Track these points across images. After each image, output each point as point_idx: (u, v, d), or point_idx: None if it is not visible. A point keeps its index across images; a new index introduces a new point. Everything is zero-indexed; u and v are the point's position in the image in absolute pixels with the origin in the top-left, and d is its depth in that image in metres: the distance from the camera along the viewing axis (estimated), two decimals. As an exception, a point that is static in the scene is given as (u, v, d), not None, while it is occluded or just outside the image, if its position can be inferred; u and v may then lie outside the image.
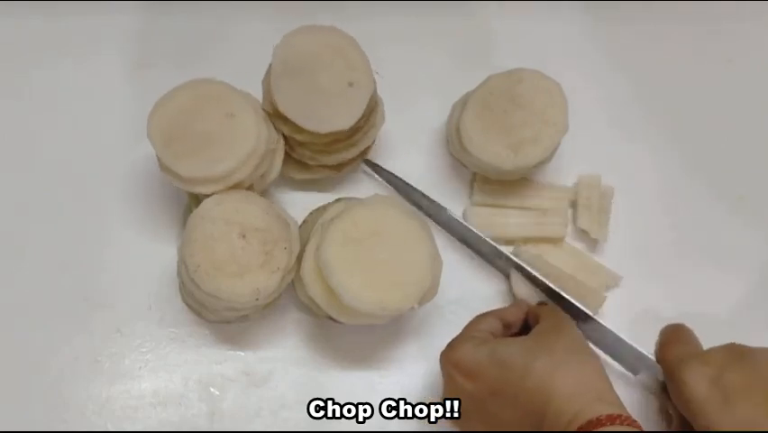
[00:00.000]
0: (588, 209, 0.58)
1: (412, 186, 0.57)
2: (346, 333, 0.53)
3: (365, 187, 0.58)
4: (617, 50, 0.65)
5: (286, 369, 0.53)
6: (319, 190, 0.57)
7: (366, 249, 0.47)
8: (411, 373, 0.53)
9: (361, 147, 0.54)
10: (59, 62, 0.61)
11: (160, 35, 0.62)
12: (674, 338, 0.51)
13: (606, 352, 0.53)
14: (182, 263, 0.48)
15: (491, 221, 0.57)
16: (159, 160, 0.49)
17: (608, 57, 0.64)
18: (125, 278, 0.54)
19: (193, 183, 0.48)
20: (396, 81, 0.58)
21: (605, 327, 0.53)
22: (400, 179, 0.57)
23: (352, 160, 0.55)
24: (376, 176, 0.58)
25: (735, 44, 0.67)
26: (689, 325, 0.53)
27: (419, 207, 0.57)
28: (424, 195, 0.57)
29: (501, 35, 0.65)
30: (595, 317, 0.53)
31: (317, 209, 0.54)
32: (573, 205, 0.59)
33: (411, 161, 0.59)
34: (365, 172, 0.58)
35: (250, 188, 0.51)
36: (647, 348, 0.52)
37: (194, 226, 0.47)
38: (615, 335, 0.53)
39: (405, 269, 0.47)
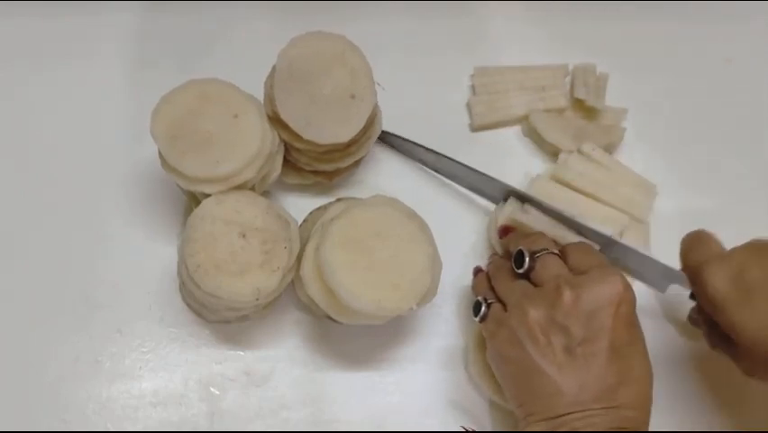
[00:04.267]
0: (584, 85, 0.61)
1: (426, 147, 0.57)
2: (346, 333, 0.53)
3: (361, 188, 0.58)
4: (617, 49, 0.65)
5: (286, 369, 0.53)
6: (313, 194, 0.57)
7: (366, 249, 0.47)
8: (411, 373, 0.53)
9: (357, 156, 0.54)
10: (58, 62, 0.61)
11: (160, 35, 0.62)
12: (696, 243, 0.50)
13: (631, 273, 0.54)
14: (182, 263, 0.48)
15: (495, 106, 0.60)
16: (162, 158, 0.49)
17: (607, 57, 0.64)
18: (125, 278, 0.54)
19: (197, 182, 0.48)
20: (394, 80, 0.57)
21: (629, 247, 0.53)
22: (413, 141, 0.58)
23: (347, 168, 0.56)
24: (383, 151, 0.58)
25: (733, 44, 0.67)
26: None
27: (437, 171, 0.58)
28: (441, 154, 0.57)
29: (490, 34, 0.65)
30: (618, 239, 0.53)
31: (317, 209, 0.54)
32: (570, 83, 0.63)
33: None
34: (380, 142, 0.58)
35: (251, 188, 0.51)
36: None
37: (194, 226, 0.47)
38: (639, 253, 0.52)
39: (404, 269, 0.47)
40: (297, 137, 0.50)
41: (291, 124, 0.50)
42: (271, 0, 0.63)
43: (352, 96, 0.50)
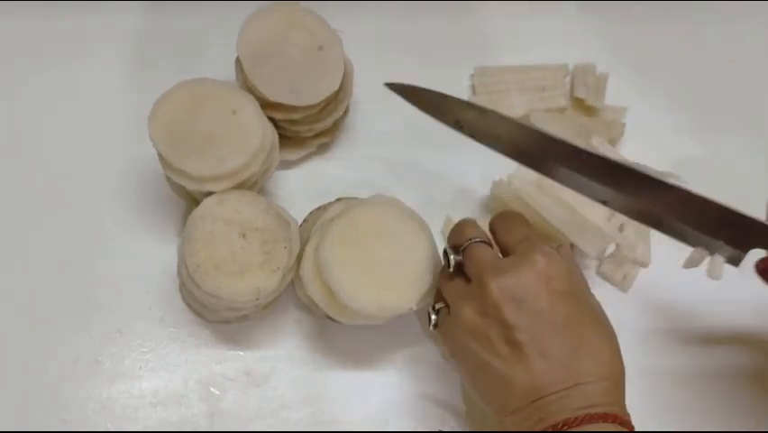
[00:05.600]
0: (584, 84, 0.62)
1: (445, 94, 0.51)
2: (346, 333, 0.53)
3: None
4: (617, 49, 0.65)
5: (286, 369, 0.53)
6: (317, 187, 0.57)
7: (366, 249, 0.47)
8: (410, 373, 0.53)
9: (347, 97, 0.56)
10: (58, 62, 0.61)
11: (160, 35, 0.62)
12: None
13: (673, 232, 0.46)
14: (182, 263, 0.48)
15: (495, 106, 0.56)
16: (163, 160, 0.49)
17: (609, 57, 0.64)
18: (125, 278, 0.54)
19: (203, 181, 0.48)
20: (393, 80, 0.58)
21: (688, 190, 0.44)
22: (426, 89, 0.51)
23: (344, 115, 0.58)
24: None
25: (737, 44, 0.67)
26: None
27: (458, 124, 0.50)
28: (465, 102, 0.50)
29: (490, 34, 0.65)
30: (676, 182, 0.45)
31: (317, 209, 0.54)
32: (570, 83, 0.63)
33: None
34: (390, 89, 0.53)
35: (254, 183, 0.51)
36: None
37: (194, 226, 0.47)
38: (702, 198, 0.44)
39: (404, 269, 0.47)
40: (293, 109, 0.52)
41: (283, 100, 0.51)
42: (271, 0, 0.63)
43: (320, 48, 0.52)
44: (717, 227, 0.45)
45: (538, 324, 0.41)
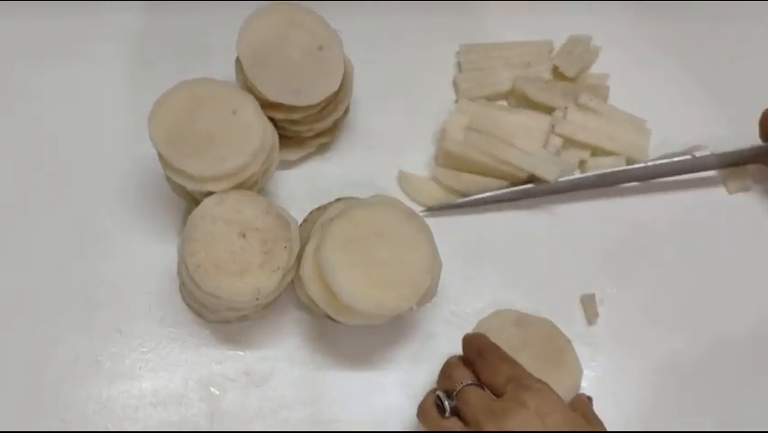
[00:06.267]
0: (569, 54, 0.63)
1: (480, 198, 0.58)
2: (346, 333, 0.53)
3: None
4: (619, 50, 0.65)
5: (286, 369, 0.53)
6: (318, 184, 0.58)
7: (366, 249, 0.47)
8: (410, 373, 0.53)
9: (347, 97, 0.56)
10: (58, 62, 0.61)
11: (160, 35, 0.62)
12: None
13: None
14: (182, 263, 0.48)
15: (482, 82, 0.61)
16: (163, 160, 0.49)
17: (609, 57, 0.64)
18: (125, 278, 0.54)
19: (203, 181, 0.48)
20: (381, 59, 0.61)
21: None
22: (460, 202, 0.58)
23: (344, 116, 0.58)
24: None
25: (736, 44, 0.67)
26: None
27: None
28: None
29: (487, 14, 0.66)
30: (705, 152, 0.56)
31: (317, 209, 0.54)
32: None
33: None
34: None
35: (253, 185, 0.51)
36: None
37: (194, 226, 0.47)
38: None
39: (404, 269, 0.47)
40: (293, 109, 0.52)
41: (283, 100, 0.51)
42: (271, 0, 0.63)
43: (320, 48, 0.52)
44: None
45: None
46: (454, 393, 0.46)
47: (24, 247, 0.55)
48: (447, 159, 0.58)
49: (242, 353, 0.53)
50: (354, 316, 0.47)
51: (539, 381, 0.45)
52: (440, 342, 0.54)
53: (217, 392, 0.52)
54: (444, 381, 0.48)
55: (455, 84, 0.63)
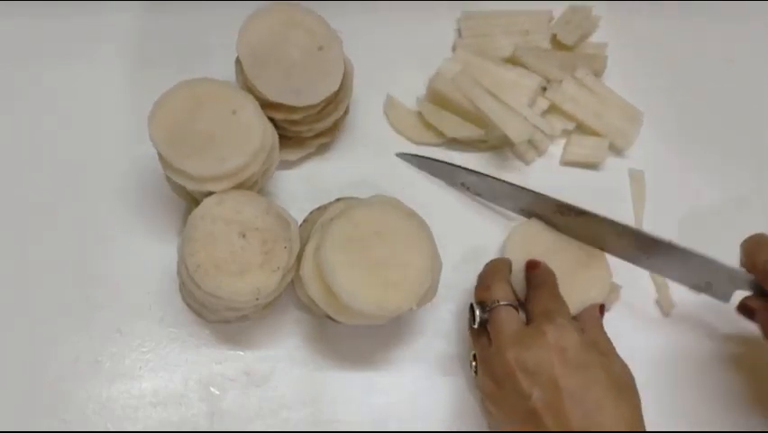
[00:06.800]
0: (567, 23, 0.63)
1: (451, 163, 0.58)
2: (346, 333, 0.53)
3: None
4: (618, 50, 0.65)
5: (286, 369, 0.53)
6: (317, 185, 0.58)
7: (366, 249, 0.47)
8: (410, 373, 0.53)
9: (347, 97, 0.56)
10: (58, 62, 0.61)
11: (160, 35, 0.62)
12: (764, 244, 0.49)
13: (665, 273, 0.53)
14: (182, 263, 0.48)
15: (481, 49, 0.62)
16: (163, 160, 0.49)
17: (610, 57, 0.64)
18: (125, 278, 0.54)
19: (203, 181, 0.48)
20: (381, 28, 0.62)
21: (693, 252, 0.50)
22: (438, 159, 0.58)
23: (344, 116, 0.58)
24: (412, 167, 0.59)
25: (735, 44, 0.67)
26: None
27: (464, 186, 0.58)
28: (467, 169, 0.57)
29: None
30: (664, 237, 0.50)
31: (317, 209, 0.54)
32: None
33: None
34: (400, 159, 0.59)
35: (253, 185, 0.51)
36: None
37: (194, 226, 0.47)
38: (703, 258, 0.50)
39: (404, 269, 0.47)
40: (293, 109, 0.52)
41: (283, 100, 0.51)
42: (271, 0, 0.63)
43: (320, 48, 0.52)
44: (700, 276, 0.51)
45: (553, 394, 0.43)
46: (488, 308, 0.48)
47: (24, 247, 0.55)
48: (434, 96, 0.60)
49: (242, 353, 0.53)
50: (354, 316, 0.47)
51: (565, 315, 0.46)
52: (440, 342, 0.54)
53: (217, 392, 0.52)
54: (482, 290, 0.50)
55: (454, 50, 0.64)
